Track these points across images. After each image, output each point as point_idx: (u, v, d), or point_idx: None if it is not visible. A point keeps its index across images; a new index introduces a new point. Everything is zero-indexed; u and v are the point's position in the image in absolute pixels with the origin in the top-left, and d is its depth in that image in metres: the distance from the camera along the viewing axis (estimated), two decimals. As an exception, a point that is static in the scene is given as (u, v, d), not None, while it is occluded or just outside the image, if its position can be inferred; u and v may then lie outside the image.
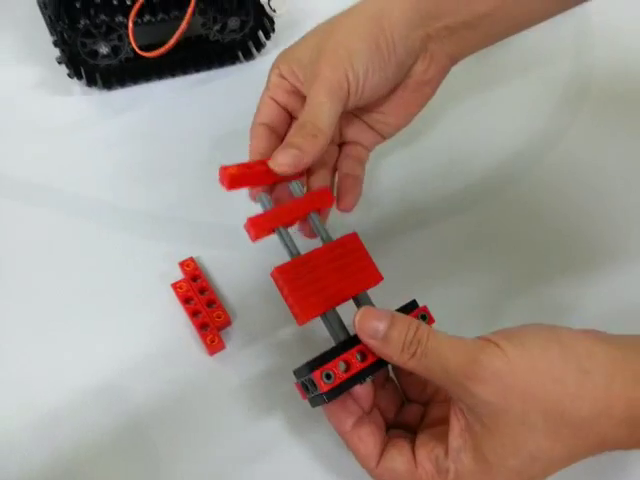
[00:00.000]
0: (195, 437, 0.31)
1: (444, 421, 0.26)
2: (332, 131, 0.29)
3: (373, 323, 0.26)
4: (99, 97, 0.45)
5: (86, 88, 0.45)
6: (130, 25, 0.39)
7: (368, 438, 0.27)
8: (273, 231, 0.29)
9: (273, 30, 0.47)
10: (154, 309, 0.35)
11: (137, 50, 0.40)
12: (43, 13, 0.44)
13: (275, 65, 0.34)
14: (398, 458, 0.26)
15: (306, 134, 0.29)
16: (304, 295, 0.28)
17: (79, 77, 0.44)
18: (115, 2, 0.41)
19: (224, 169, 0.28)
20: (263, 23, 0.46)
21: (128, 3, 0.41)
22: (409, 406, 0.30)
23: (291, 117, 0.34)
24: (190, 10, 0.39)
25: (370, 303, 0.30)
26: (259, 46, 0.48)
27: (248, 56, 0.48)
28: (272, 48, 0.48)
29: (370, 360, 0.27)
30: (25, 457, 0.30)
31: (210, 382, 0.33)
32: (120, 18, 0.41)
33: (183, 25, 0.39)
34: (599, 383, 0.24)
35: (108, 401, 0.32)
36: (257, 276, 0.36)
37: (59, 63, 0.43)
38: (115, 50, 0.43)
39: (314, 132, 0.28)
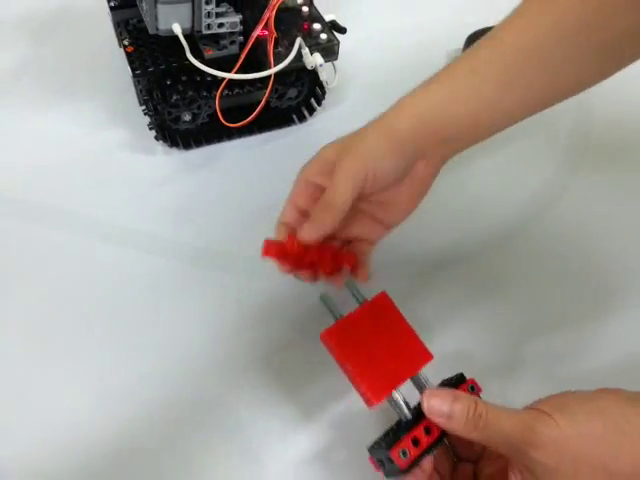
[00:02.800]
0: None
1: (495, 477, 0.32)
2: (346, 206, 0.35)
3: (439, 404, 0.31)
4: (179, 156, 0.53)
5: (167, 148, 0.53)
6: (217, 102, 0.47)
7: None
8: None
9: (324, 97, 0.55)
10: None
11: (224, 122, 0.48)
12: (135, 86, 0.52)
13: (301, 178, 0.39)
14: None
15: (324, 208, 0.35)
16: (369, 376, 0.33)
17: (164, 140, 0.52)
18: (198, 79, 0.49)
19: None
20: (315, 92, 0.55)
21: (208, 79, 0.49)
22: (461, 465, 0.35)
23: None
24: (269, 91, 0.47)
25: (426, 379, 0.35)
26: (311, 110, 0.56)
27: (302, 119, 0.56)
28: (321, 111, 0.57)
29: (435, 434, 0.32)
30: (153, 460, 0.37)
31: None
32: (203, 93, 0.49)
33: (262, 103, 0.47)
34: (636, 442, 0.29)
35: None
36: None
37: (150, 129, 0.51)
38: (195, 116, 0.51)
39: (330, 206, 0.35)
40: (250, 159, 0.53)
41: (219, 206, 0.50)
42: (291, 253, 0.36)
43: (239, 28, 0.47)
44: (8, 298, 0.44)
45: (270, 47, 0.47)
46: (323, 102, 0.56)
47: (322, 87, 0.54)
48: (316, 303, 0.39)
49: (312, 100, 0.55)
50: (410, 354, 0.35)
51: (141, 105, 0.52)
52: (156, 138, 0.52)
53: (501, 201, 0.53)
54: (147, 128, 0.52)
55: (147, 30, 0.46)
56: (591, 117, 0.61)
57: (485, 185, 0.54)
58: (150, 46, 0.49)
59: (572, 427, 0.29)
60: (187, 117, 0.51)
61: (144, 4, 0.44)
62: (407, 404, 0.33)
